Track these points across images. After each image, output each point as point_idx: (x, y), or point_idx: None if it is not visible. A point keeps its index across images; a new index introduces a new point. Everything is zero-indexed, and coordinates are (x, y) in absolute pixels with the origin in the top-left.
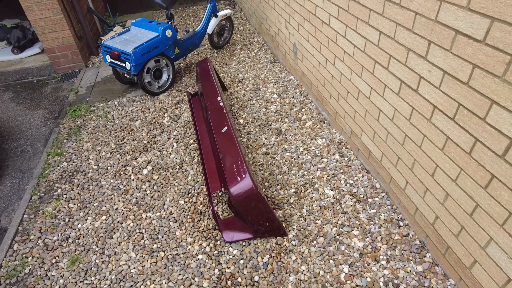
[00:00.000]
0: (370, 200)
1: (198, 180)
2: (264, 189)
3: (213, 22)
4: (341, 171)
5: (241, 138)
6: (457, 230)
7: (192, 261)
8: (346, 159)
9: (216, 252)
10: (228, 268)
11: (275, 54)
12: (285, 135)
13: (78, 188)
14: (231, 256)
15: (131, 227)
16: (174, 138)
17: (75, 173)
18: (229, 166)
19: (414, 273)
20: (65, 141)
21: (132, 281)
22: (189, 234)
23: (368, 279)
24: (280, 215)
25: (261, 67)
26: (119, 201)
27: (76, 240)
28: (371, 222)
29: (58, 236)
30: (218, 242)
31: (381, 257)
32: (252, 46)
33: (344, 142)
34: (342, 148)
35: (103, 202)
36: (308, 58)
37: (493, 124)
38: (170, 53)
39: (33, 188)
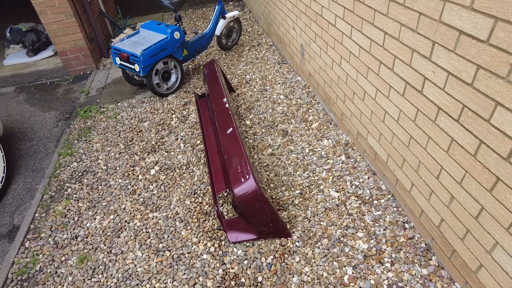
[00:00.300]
0: (375, 202)
1: (204, 180)
2: (269, 190)
3: (221, 23)
4: (347, 172)
5: (247, 139)
6: (463, 233)
7: (197, 260)
8: (352, 160)
9: (220, 252)
10: (232, 268)
11: (283, 55)
12: (291, 136)
13: (87, 187)
14: (235, 257)
15: (138, 226)
16: (181, 139)
17: (84, 173)
18: (234, 167)
19: (419, 276)
20: (76, 141)
21: (138, 279)
22: (195, 234)
23: (372, 282)
24: (285, 216)
25: (269, 68)
26: (126, 201)
27: (85, 239)
28: (376, 224)
29: (67, 234)
30: (223, 243)
31: (386, 259)
32: (260, 47)
33: (351, 143)
34: (349, 150)
35: (111, 202)
36: (315, 59)
37: (497, 126)
38: (179, 55)
39: (45, 187)
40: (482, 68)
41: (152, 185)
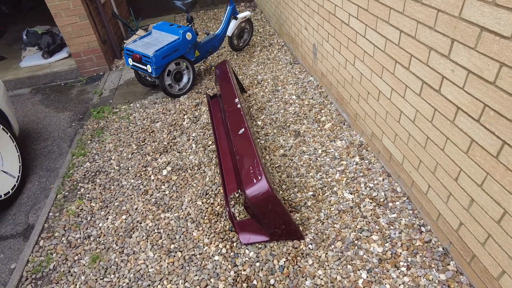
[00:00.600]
0: (390, 204)
1: (215, 181)
2: (281, 192)
3: (233, 24)
4: (361, 174)
5: (258, 140)
6: (484, 238)
7: (209, 262)
8: (366, 161)
9: (232, 253)
10: (244, 270)
11: (295, 55)
12: (304, 137)
13: (100, 187)
14: (247, 258)
15: (150, 227)
16: (193, 140)
17: (97, 173)
18: (246, 168)
19: (436, 281)
20: (89, 142)
21: (149, 280)
22: (206, 235)
23: (387, 286)
24: (297, 218)
25: (280, 69)
26: (138, 201)
27: (97, 239)
28: (391, 227)
29: (80, 234)
30: (235, 244)
31: (401, 263)
32: (271, 48)
33: (365, 144)
34: (363, 151)
35: (123, 202)
36: (328, 58)
37: None
38: (190, 56)
39: (58, 187)
40: (506, 65)
41: (164, 185)
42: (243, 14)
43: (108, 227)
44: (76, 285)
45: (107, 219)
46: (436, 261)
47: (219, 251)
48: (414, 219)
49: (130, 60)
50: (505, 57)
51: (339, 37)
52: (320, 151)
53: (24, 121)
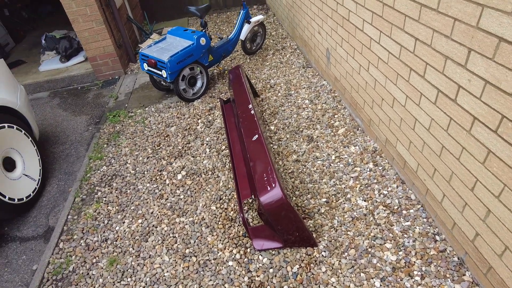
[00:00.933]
0: (404, 212)
1: (229, 186)
2: (294, 198)
3: (246, 28)
4: (375, 180)
5: (271, 145)
6: (501, 250)
7: (223, 267)
8: (380, 168)
9: (246, 259)
10: (258, 276)
11: (308, 59)
12: (317, 142)
13: (117, 191)
14: (260, 264)
15: (165, 231)
16: (207, 144)
17: (114, 177)
18: (259, 174)
19: None
20: (105, 145)
21: (165, 284)
22: (220, 240)
23: None
24: (311, 225)
25: (293, 72)
26: (154, 205)
27: (114, 242)
28: (405, 235)
29: (98, 237)
30: (248, 250)
31: (415, 272)
32: (284, 51)
33: (379, 150)
34: (376, 157)
35: (139, 206)
36: (341, 63)
37: None
38: (204, 61)
39: (76, 190)
40: None
41: (179, 189)
42: (256, 18)
43: (124, 230)
44: (94, 287)
45: (124, 222)
46: (451, 271)
47: (233, 256)
48: (429, 227)
49: (145, 65)
50: None
51: (353, 42)
52: (333, 157)
53: (43, 124)
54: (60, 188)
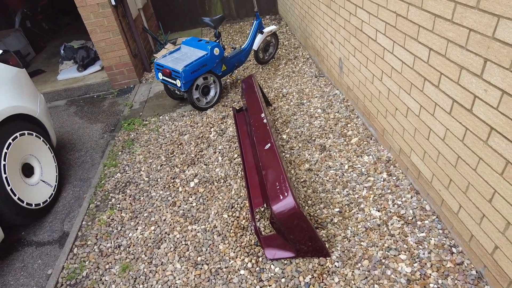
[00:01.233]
0: (419, 223)
1: (241, 194)
2: (306, 207)
3: (259, 38)
4: (389, 191)
5: (283, 154)
6: None
7: (234, 276)
8: (394, 178)
9: (258, 268)
10: (270, 285)
11: (320, 68)
12: (329, 152)
13: (130, 198)
14: (272, 274)
15: (178, 238)
16: (219, 152)
17: (127, 184)
18: (271, 183)
19: None
20: (120, 153)
21: None
22: (232, 248)
23: None
24: (323, 235)
25: (306, 82)
26: (167, 212)
27: (127, 248)
28: (420, 247)
29: (111, 243)
30: (260, 259)
31: (431, 285)
32: (296, 61)
33: (392, 160)
34: (390, 167)
35: (152, 213)
36: (354, 73)
37: None
38: (218, 70)
39: (91, 197)
40: None
41: (191, 197)
42: (269, 28)
43: (137, 237)
44: None
45: (137, 229)
46: (469, 284)
47: (244, 265)
48: (444, 239)
49: (160, 74)
50: None
51: (366, 52)
52: (346, 166)
53: (60, 131)
54: (75, 194)
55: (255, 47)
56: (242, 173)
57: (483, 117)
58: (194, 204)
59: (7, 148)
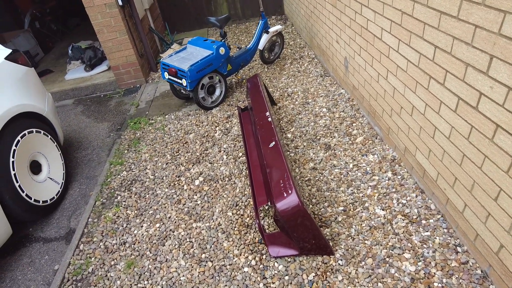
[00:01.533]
0: (424, 221)
1: (245, 192)
2: (311, 206)
3: (264, 38)
4: (394, 189)
5: (288, 153)
6: None
7: (238, 273)
8: (399, 177)
9: (261, 266)
10: (273, 283)
11: (326, 68)
12: (334, 150)
13: (136, 196)
14: (276, 272)
15: (182, 235)
16: (224, 151)
17: (133, 181)
18: (276, 181)
19: None
20: (126, 151)
21: None
22: (236, 246)
23: None
24: (327, 233)
25: (311, 81)
26: (172, 210)
27: (132, 245)
28: (425, 246)
29: (116, 240)
30: (264, 256)
31: (436, 284)
32: (302, 60)
33: (397, 159)
34: (395, 166)
35: (157, 210)
36: (360, 72)
37: None
38: (223, 70)
39: (97, 194)
40: None
41: (196, 195)
42: (275, 28)
43: (142, 234)
44: None
45: (142, 226)
46: (474, 284)
47: (248, 262)
48: (449, 238)
49: (166, 74)
50: None
51: (371, 51)
52: (351, 165)
53: (67, 130)
54: (82, 191)
55: (260, 46)
56: (247, 171)
57: (488, 115)
58: (198, 202)
59: (16, 145)
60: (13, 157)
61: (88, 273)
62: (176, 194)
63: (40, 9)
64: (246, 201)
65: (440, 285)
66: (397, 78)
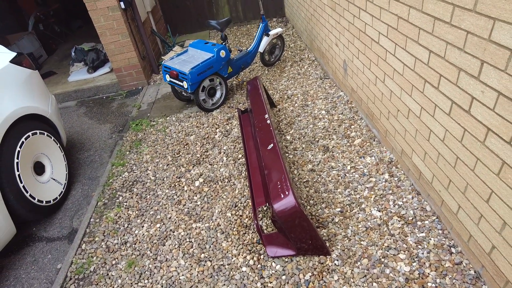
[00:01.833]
0: (419, 223)
1: (244, 194)
2: (308, 207)
3: (265, 41)
4: (390, 191)
5: (287, 154)
6: None
7: (236, 272)
8: (395, 179)
9: (259, 266)
10: (270, 282)
11: (325, 70)
12: (332, 152)
13: (137, 196)
14: (273, 271)
15: (182, 235)
16: (224, 153)
17: (134, 182)
18: (274, 182)
19: None
20: (127, 153)
21: (180, 287)
22: (235, 246)
23: None
24: (324, 234)
25: (311, 84)
26: (172, 210)
27: (133, 245)
28: (420, 247)
29: (118, 240)
30: (262, 256)
31: (429, 284)
32: (302, 63)
33: (395, 161)
34: (392, 168)
35: (158, 211)
36: (358, 74)
37: None
38: (224, 72)
39: (99, 195)
40: None
41: (196, 196)
42: (275, 31)
43: (143, 234)
44: (113, 287)
45: (143, 226)
46: (467, 284)
47: (246, 262)
48: (444, 239)
49: (167, 76)
50: None
51: (369, 54)
52: (349, 167)
53: (70, 131)
54: (84, 192)
55: (261, 49)
56: (246, 173)
57: (480, 118)
58: (198, 202)
59: (20, 147)
60: (17, 158)
61: (90, 272)
62: (176, 195)
63: (44, 12)
64: (245, 202)
65: (434, 285)
66: (393, 81)
